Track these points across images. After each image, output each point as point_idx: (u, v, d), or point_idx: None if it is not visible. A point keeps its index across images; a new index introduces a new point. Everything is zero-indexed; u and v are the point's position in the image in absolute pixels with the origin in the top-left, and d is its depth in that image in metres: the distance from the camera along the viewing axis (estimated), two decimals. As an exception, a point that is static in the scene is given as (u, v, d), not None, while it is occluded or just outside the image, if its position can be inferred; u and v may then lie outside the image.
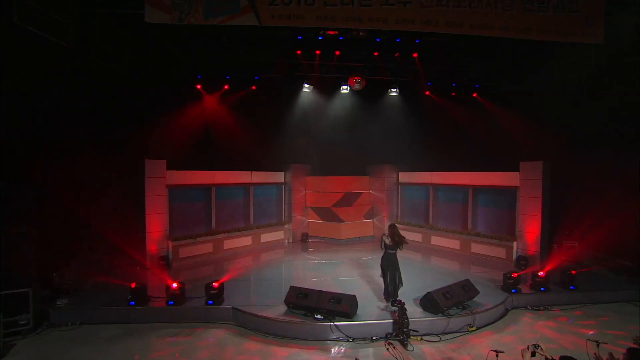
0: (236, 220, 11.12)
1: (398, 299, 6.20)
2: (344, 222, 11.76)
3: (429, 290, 6.63)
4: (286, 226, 11.98)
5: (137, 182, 9.14)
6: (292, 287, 6.78)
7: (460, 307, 6.83)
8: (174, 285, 6.79)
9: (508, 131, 10.36)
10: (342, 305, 6.48)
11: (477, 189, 10.25)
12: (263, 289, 7.44)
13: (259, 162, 11.65)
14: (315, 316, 6.44)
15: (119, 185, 8.89)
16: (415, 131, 12.31)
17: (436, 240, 11.01)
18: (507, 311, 7.16)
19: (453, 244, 10.54)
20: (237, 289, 7.47)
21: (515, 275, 7.58)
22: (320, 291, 6.62)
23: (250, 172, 11.51)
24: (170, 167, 9.63)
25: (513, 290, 7.54)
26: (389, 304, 6.16)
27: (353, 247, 11.01)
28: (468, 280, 7.40)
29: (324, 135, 12.16)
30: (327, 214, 11.98)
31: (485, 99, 11.41)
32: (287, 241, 11.81)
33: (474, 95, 11.55)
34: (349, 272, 8.38)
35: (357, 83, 10.30)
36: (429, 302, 6.68)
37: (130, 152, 9.20)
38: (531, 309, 7.22)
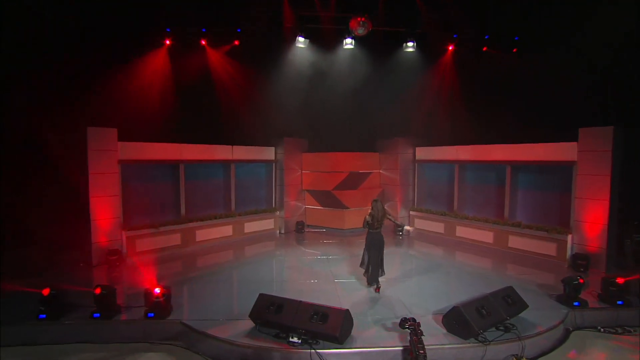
0: (213, 205, 9.90)
1: (411, 317, 4.70)
2: (348, 208, 10.60)
3: (456, 301, 5.33)
4: (277, 213, 10.80)
5: (80, 156, 7.53)
6: (261, 295, 5.33)
7: (502, 327, 5.18)
8: (157, 290, 5.28)
9: (558, 90, 8.50)
10: (328, 325, 4.83)
11: (517, 166, 8.80)
12: (236, 294, 6.24)
13: (243, 135, 10.32)
14: (291, 339, 4.74)
15: (59, 164, 7.43)
16: (437, 96, 10.83)
17: (462, 232, 9.70)
18: (568, 333, 5.41)
19: (484, 236, 9.17)
20: (201, 295, 6.18)
21: (582, 280, 5.59)
22: (300, 302, 5.12)
23: (230, 146, 10.12)
24: (123, 137, 8.08)
25: (575, 303, 5.63)
26: (369, 287, 5.79)
27: (358, 240, 9.70)
28: (511, 288, 5.58)
29: (324, 102, 10.79)
30: (328, 199, 10.81)
31: (527, 52, 9.58)
32: (278, 232, 10.70)
33: (514, 50, 9.72)
34: (348, 272, 7.19)
35: (361, 26, 8.35)
36: (456, 321, 5.09)
37: (71, 119, 7.44)
38: (604, 331, 5.37)
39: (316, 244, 9.53)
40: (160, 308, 5.49)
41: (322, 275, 6.98)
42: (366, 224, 5.84)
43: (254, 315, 5.29)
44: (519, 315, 5.45)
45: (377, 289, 5.89)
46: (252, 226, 10.23)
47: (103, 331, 5.31)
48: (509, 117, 9.03)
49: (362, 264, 6.12)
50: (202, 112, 9.91)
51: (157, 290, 5.44)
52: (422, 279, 6.64)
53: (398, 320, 4.79)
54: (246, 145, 10.20)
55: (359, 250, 8.20)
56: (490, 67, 9.68)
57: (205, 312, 5.65)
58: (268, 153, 10.82)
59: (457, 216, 9.79)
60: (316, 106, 10.84)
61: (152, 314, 5.40)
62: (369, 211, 5.91)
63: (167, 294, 5.60)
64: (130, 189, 8.56)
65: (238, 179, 10.19)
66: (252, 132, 10.39)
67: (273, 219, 10.74)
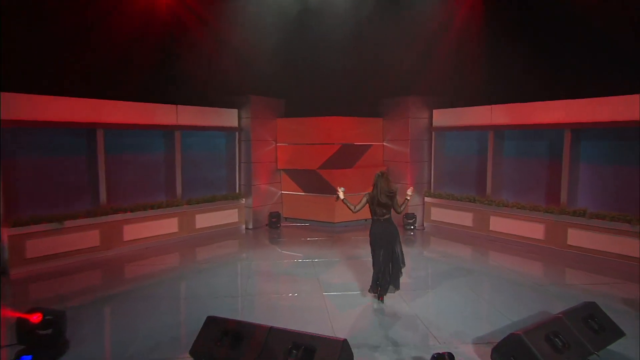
0: (149, 190, 9.25)
1: (447, 352, 3.81)
2: (339, 194, 9.65)
3: (502, 322, 5.12)
4: (242, 202, 10.46)
5: None
6: (210, 320, 4.55)
7: (586, 365, 4.25)
8: (35, 319, 4.27)
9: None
10: (315, 368, 3.92)
11: (580, 132, 8.38)
12: (178, 318, 5.69)
13: (194, 90, 9.76)
14: (254, 394, 3.79)
15: None
16: (463, 36, 10.28)
17: (499, 224, 9.32)
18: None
19: (531, 230, 8.77)
20: (123, 322, 5.50)
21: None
22: (271, 329, 4.30)
23: (175, 106, 9.37)
24: (5, 86, 6.94)
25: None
26: (376, 298, 5.62)
27: (354, 236, 9.63)
28: (594, 305, 4.91)
29: (310, 47, 10.48)
30: (312, 182, 10.58)
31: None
32: (244, 227, 10.45)
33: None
34: (343, 281, 6.82)
35: None
36: (515, 356, 4.14)
37: None
38: None
39: (296, 243, 9.24)
40: (44, 346, 4.31)
41: (306, 286, 6.59)
42: (359, 206, 5.41)
43: (198, 350, 4.37)
44: (610, 346, 4.59)
45: (381, 298, 5.63)
46: (207, 219, 9.78)
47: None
48: (568, 63, 8.50)
49: (373, 283, 5.75)
50: (132, 54, 9.05)
51: (37, 318, 4.24)
52: (447, 291, 6.23)
53: (422, 355, 4.43)
54: (198, 105, 9.71)
55: (357, 251, 8.30)
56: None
57: (123, 347, 4.79)
58: (229, 117, 10.35)
59: (491, 203, 9.41)
60: (298, 53, 10.58)
61: (29, 357, 4.24)
62: (373, 190, 5.48)
63: (57, 324, 4.42)
64: (16, 165, 7.49)
65: (186, 153, 9.67)
66: (208, 86, 9.98)
67: (237, 210, 10.37)
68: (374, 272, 5.65)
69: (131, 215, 8.54)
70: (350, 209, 5.47)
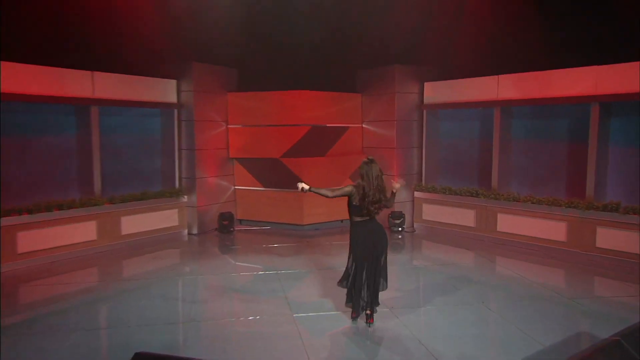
0: (55, 185, 8.90)
1: None
2: (303, 186, 9.65)
3: (544, 350, 5.03)
4: (184, 200, 10.26)
5: None
6: (138, 357, 4.00)
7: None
8: None
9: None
10: None
11: (612, 106, 8.31)
12: (87, 356, 5.31)
13: (116, 53, 9.22)
14: None
15: None
16: None
17: (508, 224, 9.34)
18: None
19: (550, 230, 8.79)
20: None
21: None
22: None
23: (89, 72, 8.89)
24: None
25: None
26: (354, 316, 5.59)
27: (328, 241, 9.72)
28: (619, 342, 4.34)
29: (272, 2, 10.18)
30: (274, 174, 10.64)
31: None
32: (186, 232, 10.32)
33: None
34: (317, 296, 6.82)
35: None
36: None
37: None
38: None
39: (255, 252, 9.17)
40: None
41: (270, 306, 6.49)
42: (339, 193, 5.36)
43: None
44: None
45: (371, 319, 5.55)
46: (137, 223, 9.53)
47: None
48: (596, 19, 8.34)
49: (341, 281, 5.68)
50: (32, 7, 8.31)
51: None
52: (450, 306, 6.18)
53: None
54: (123, 73, 9.36)
55: (332, 259, 8.36)
56: None
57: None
58: (165, 90, 10.04)
59: (498, 197, 9.39)
60: (255, 7, 10.21)
61: None
62: (358, 182, 5.38)
63: None
64: None
65: (107, 136, 9.35)
66: (136, 48, 9.39)
67: (177, 210, 10.12)
68: (350, 283, 5.56)
69: (29, 219, 7.91)
70: (325, 195, 5.33)
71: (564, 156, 9.13)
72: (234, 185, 10.79)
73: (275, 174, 10.39)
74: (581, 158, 8.63)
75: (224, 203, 10.63)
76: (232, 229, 10.31)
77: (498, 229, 9.33)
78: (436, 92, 10.41)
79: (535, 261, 8.21)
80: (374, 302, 5.46)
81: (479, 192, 9.58)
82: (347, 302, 5.57)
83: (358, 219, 5.30)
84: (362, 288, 5.39)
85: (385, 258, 5.47)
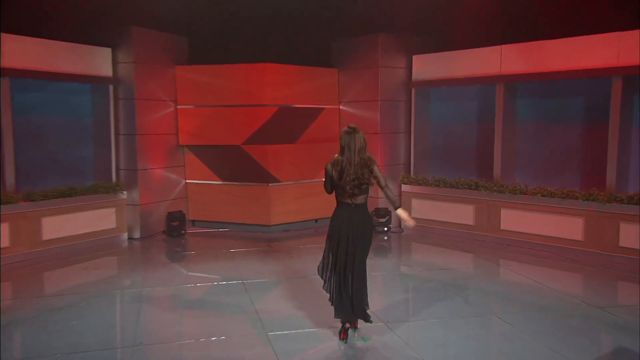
0: None
1: None
2: (277, 183, 10.54)
3: None
4: (123, 197, 10.02)
5: None
6: None
7: None
8: None
9: None
10: None
11: (635, 80, 8.22)
12: None
13: (33, 11, 8.93)
14: None
15: None
16: None
17: (514, 220, 9.34)
18: None
19: (564, 227, 8.74)
20: None
21: None
22: None
23: None
24: None
25: None
26: (342, 330, 5.44)
27: (301, 244, 9.73)
28: None
29: None
30: (235, 164, 10.53)
31: None
32: (126, 235, 10.13)
33: None
34: (293, 312, 6.66)
35: None
36: None
37: None
38: None
39: (214, 258, 8.99)
40: None
41: (236, 323, 6.28)
42: (328, 184, 5.38)
43: None
44: None
45: (355, 322, 5.56)
46: (63, 226, 9.22)
47: None
48: None
49: (320, 271, 5.63)
50: None
51: None
52: (456, 319, 6.03)
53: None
54: (42, 37, 8.99)
55: (307, 266, 8.19)
56: None
57: None
58: (98, 61, 9.72)
59: (502, 189, 9.34)
60: None
61: None
62: (335, 156, 5.34)
63: None
64: None
65: (23, 116, 9.01)
66: (59, 7, 9.10)
67: (114, 210, 9.89)
68: (328, 279, 5.51)
69: None
70: (332, 182, 5.32)
71: (580, 140, 9.15)
72: (185, 179, 10.59)
73: (236, 165, 10.22)
74: (600, 142, 8.58)
75: (173, 200, 10.41)
76: (183, 232, 10.13)
77: (502, 227, 9.27)
78: (427, 66, 10.32)
79: (548, 264, 8.18)
80: (354, 310, 5.36)
81: (479, 184, 9.49)
82: (336, 313, 5.38)
83: (340, 199, 5.22)
84: (343, 289, 5.28)
85: (362, 261, 5.31)
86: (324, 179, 5.29)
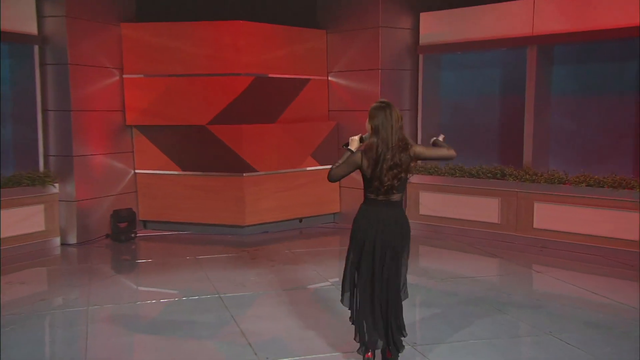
0: None
1: None
2: (253, 173, 10.35)
3: None
4: (54, 190, 9.54)
5: None
6: None
7: None
8: None
9: None
10: None
11: None
12: None
13: None
14: None
15: None
16: None
17: (551, 217, 9.08)
18: None
19: (617, 225, 8.44)
20: None
21: None
22: None
23: None
24: None
25: None
26: (368, 357, 5.28)
27: (285, 249, 9.60)
28: None
29: None
30: (199, 149, 10.31)
31: None
32: (59, 240, 9.72)
33: None
34: (295, 331, 6.44)
35: None
36: None
37: None
38: None
39: (176, 268, 8.62)
40: None
41: (218, 348, 6.05)
42: (343, 171, 5.14)
43: None
44: None
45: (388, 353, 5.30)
46: None
47: None
48: None
49: (342, 293, 5.43)
50: None
51: None
52: (503, 340, 5.85)
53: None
54: None
55: (300, 274, 8.28)
56: None
57: None
58: (15, 14, 9.23)
59: (535, 179, 9.10)
60: None
61: None
62: (364, 135, 5.04)
63: None
64: None
65: None
66: None
67: (42, 207, 9.45)
68: (352, 300, 5.25)
69: None
70: (332, 178, 5.13)
71: (633, 117, 8.85)
72: (134, 169, 10.19)
73: (201, 151, 9.93)
74: None
75: (120, 196, 9.99)
76: (133, 235, 9.70)
77: (535, 226, 9.00)
78: (438, 26, 10.12)
79: (598, 271, 7.97)
80: (391, 334, 5.05)
81: (505, 171, 9.18)
82: (356, 335, 5.14)
83: (371, 196, 4.93)
84: (370, 310, 5.03)
85: (398, 271, 5.05)
86: (338, 163, 4.89)
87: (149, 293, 7.69)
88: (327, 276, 8.44)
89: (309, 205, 10.89)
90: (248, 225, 9.89)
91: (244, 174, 9.90)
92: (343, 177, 4.95)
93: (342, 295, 5.19)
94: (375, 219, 4.89)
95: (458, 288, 7.46)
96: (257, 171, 10.00)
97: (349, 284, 5.12)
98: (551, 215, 8.95)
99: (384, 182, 4.72)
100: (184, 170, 10.02)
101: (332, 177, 4.96)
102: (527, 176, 8.98)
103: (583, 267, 8.23)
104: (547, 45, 9.22)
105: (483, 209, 9.53)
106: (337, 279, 7.56)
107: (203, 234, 10.18)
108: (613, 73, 9.19)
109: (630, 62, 9.03)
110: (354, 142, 4.86)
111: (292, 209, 10.48)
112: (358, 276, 5.08)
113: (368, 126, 4.85)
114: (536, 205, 9.01)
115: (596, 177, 8.49)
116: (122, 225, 9.56)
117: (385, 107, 4.80)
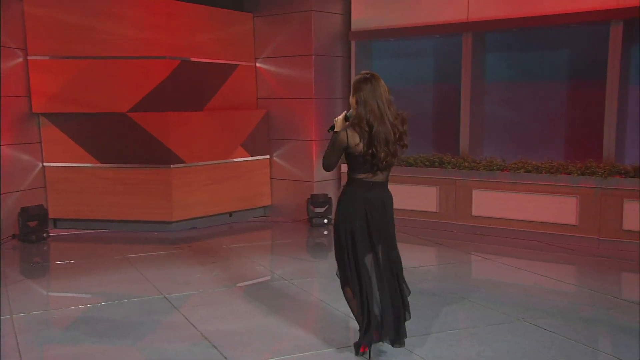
0: None
1: None
2: (181, 164, 10.12)
3: None
4: None
5: None
6: None
7: None
8: None
9: None
10: None
11: (634, 26, 8.23)
12: None
13: None
14: None
15: None
16: None
17: (489, 204, 9.24)
18: None
19: (556, 210, 8.63)
20: None
21: None
22: None
23: None
24: None
25: None
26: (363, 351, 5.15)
27: (220, 244, 9.41)
28: None
29: None
30: (118, 140, 9.84)
31: None
32: None
33: None
34: (262, 331, 6.17)
35: None
36: None
37: None
38: None
39: (105, 268, 8.17)
40: None
41: (181, 355, 5.54)
42: (335, 156, 4.88)
43: None
44: None
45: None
46: None
47: None
48: None
49: (342, 284, 5.25)
50: None
51: None
52: (481, 329, 5.79)
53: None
54: None
55: (244, 270, 8.17)
56: None
57: None
58: None
59: (473, 166, 9.15)
60: None
61: None
62: (348, 112, 4.83)
63: None
64: None
65: None
66: None
67: None
68: (359, 304, 4.95)
69: None
70: (326, 167, 4.96)
71: (567, 102, 9.08)
72: (43, 162, 9.50)
73: (121, 141, 9.41)
74: (596, 104, 8.40)
75: (27, 192, 9.35)
76: (45, 235, 9.05)
77: (474, 213, 9.06)
78: (370, 11, 9.88)
79: (539, 257, 8.01)
80: (396, 327, 4.82)
81: (443, 159, 9.20)
82: (361, 347, 4.93)
83: (360, 175, 4.64)
84: (369, 300, 4.80)
85: (398, 256, 4.89)
86: (327, 150, 4.67)
87: (81, 297, 7.07)
88: (276, 270, 8.28)
89: (239, 199, 10.64)
90: (176, 221, 9.53)
91: (171, 166, 9.50)
92: (337, 162, 4.69)
93: (342, 286, 4.94)
94: (369, 199, 4.73)
95: (411, 279, 7.45)
96: (185, 162, 9.62)
97: (345, 277, 4.86)
98: (489, 203, 9.04)
99: (380, 159, 4.52)
100: (101, 162, 9.48)
101: (327, 167, 4.76)
102: (466, 164, 9.07)
103: (524, 253, 8.34)
104: (482, 32, 9.33)
105: (421, 197, 9.54)
106: (287, 272, 7.95)
107: (125, 232, 9.70)
108: (547, 60, 9.29)
109: (563, 50, 9.18)
110: (338, 123, 4.64)
111: (222, 203, 10.22)
112: (357, 265, 4.82)
113: (352, 100, 4.59)
114: (474, 192, 9.07)
115: (534, 162, 8.64)
116: (32, 224, 8.99)
117: (370, 78, 4.57)
